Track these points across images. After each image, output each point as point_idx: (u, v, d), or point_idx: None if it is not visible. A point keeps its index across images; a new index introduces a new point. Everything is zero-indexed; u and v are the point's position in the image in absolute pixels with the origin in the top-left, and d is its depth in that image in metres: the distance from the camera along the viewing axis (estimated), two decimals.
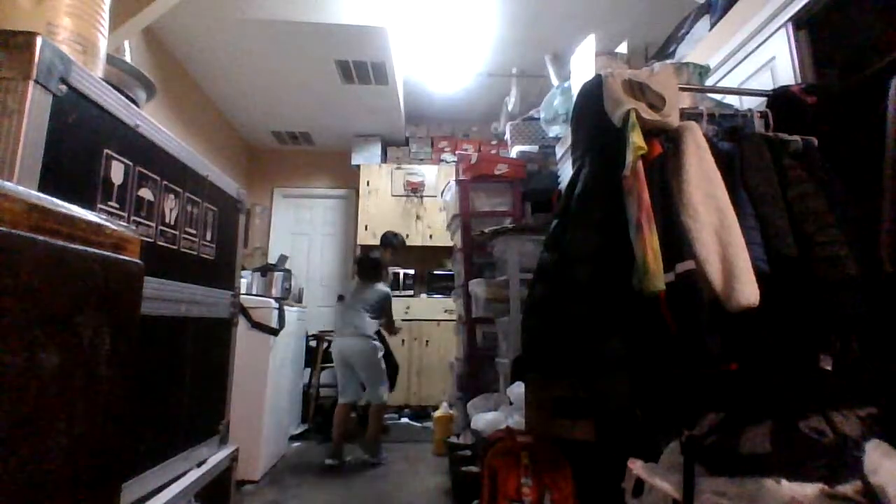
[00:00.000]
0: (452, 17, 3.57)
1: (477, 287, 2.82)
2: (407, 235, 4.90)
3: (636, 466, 1.18)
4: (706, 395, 1.18)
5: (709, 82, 1.89)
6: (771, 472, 0.97)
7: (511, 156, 3.40)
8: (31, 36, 0.72)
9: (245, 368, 2.48)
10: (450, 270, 4.35)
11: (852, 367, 1.15)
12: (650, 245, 1.13)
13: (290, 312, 3.15)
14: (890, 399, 1.12)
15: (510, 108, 4.21)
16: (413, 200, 5.00)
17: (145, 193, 1.03)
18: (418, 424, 4.11)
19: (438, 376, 4.38)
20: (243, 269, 2.55)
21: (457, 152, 4.86)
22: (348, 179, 5.34)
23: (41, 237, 0.48)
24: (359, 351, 3.15)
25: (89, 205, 0.85)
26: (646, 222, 1.15)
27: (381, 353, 3.24)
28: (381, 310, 3.32)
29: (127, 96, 1.01)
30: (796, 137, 1.35)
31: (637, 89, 1.31)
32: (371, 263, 3.40)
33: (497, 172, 3.13)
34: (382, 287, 3.39)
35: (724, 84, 1.98)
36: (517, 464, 1.53)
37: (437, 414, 3.37)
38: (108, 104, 0.90)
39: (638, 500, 1.14)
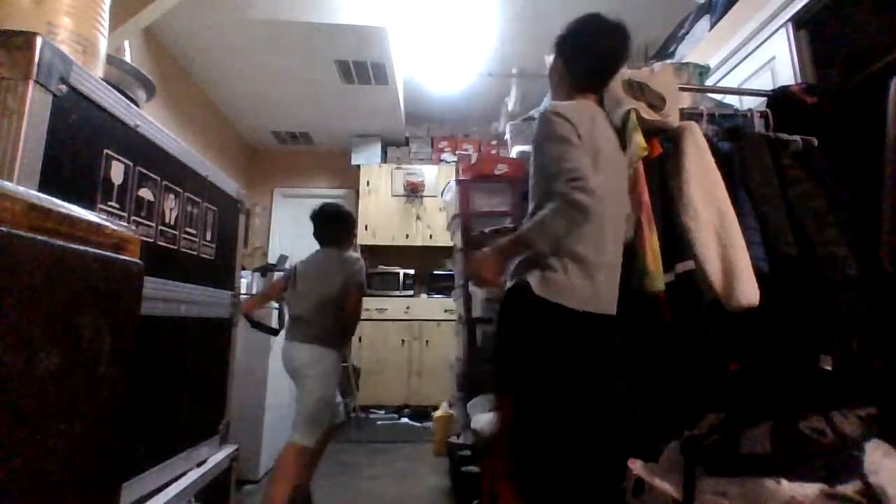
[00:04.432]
0: (452, 16, 3.57)
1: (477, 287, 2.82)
2: (407, 235, 4.91)
3: (636, 466, 1.18)
4: (706, 395, 1.18)
5: (709, 82, 1.89)
6: (771, 472, 0.97)
7: (511, 156, 3.40)
8: (31, 36, 0.72)
9: (245, 368, 2.49)
10: (450, 270, 4.34)
11: (852, 367, 1.15)
12: (650, 245, 1.13)
13: None
14: (890, 399, 1.12)
15: (510, 108, 4.21)
16: (413, 200, 5.00)
17: (145, 193, 1.03)
18: (418, 424, 4.11)
19: (438, 376, 4.38)
20: (243, 269, 2.55)
21: (457, 152, 4.86)
22: (348, 179, 5.33)
23: (41, 237, 0.48)
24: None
25: (89, 205, 0.85)
26: (646, 222, 1.15)
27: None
28: None
29: (127, 96, 1.01)
30: (796, 137, 1.35)
31: (637, 89, 1.31)
32: None
33: (497, 172, 3.12)
34: None
35: (724, 84, 1.98)
36: None
37: (437, 414, 3.36)
38: (108, 104, 0.90)
39: (638, 500, 1.14)
